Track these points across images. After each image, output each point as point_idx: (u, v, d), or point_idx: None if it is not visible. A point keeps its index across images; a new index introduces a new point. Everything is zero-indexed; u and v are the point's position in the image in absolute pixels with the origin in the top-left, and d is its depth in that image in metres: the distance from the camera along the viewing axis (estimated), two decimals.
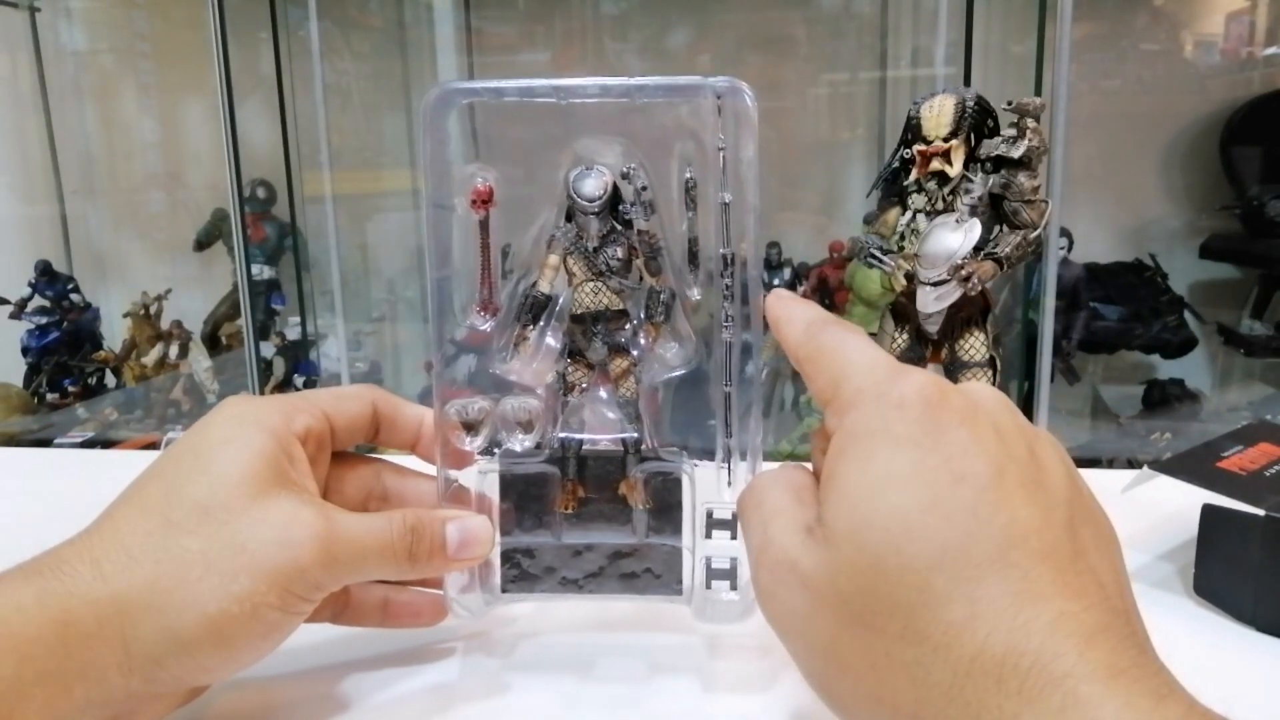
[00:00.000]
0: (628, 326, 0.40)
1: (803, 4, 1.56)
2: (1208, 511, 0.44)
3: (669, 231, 0.39)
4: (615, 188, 0.38)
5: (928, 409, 0.27)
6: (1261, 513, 0.42)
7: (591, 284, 0.39)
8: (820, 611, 0.27)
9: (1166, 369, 1.40)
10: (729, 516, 0.38)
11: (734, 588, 0.39)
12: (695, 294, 0.39)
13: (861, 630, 0.26)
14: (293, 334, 1.63)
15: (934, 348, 0.55)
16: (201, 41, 1.27)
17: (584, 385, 0.40)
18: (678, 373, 0.40)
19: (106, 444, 1.42)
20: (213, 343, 1.64)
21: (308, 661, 0.40)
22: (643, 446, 0.40)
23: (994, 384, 0.53)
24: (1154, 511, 0.53)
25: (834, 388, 0.30)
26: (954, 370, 0.54)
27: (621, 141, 0.38)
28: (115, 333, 1.66)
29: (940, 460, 0.26)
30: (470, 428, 0.39)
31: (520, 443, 0.40)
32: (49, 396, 1.56)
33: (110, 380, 1.63)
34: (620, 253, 0.39)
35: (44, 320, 1.56)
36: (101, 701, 0.31)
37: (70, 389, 1.57)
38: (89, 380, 1.59)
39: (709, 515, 0.39)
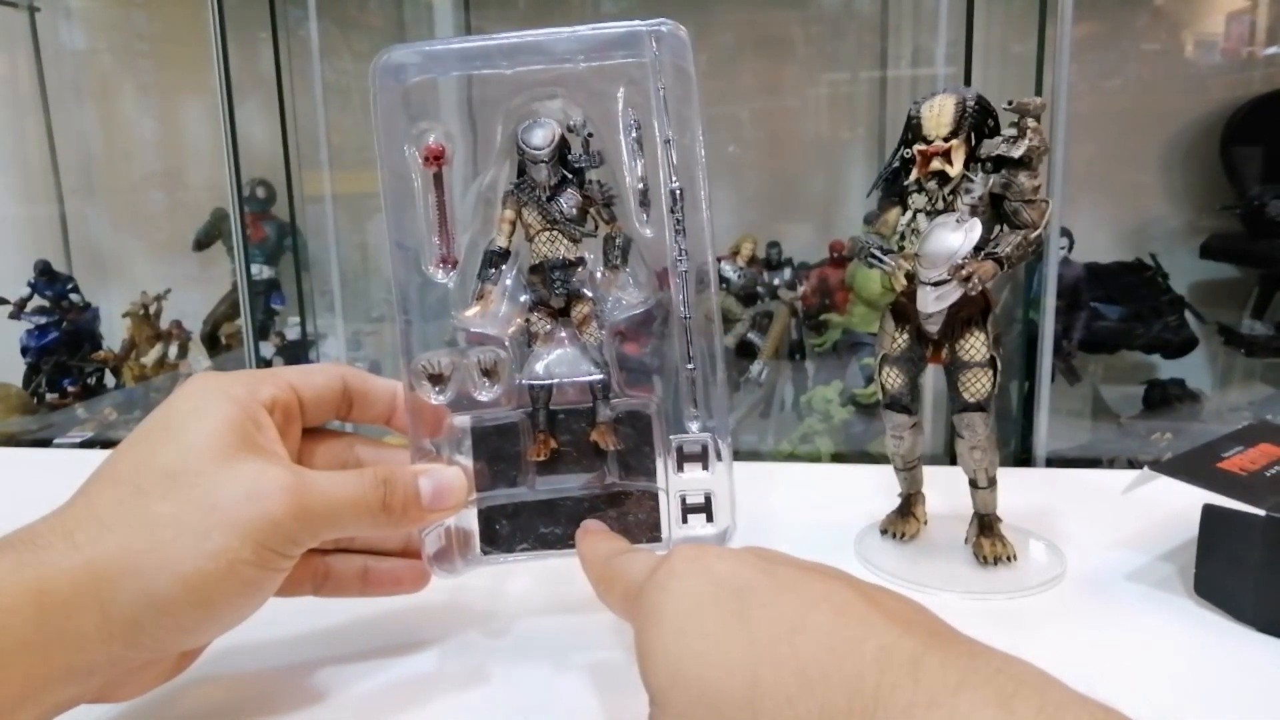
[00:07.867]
0: (584, 272, 0.41)
1: (803, 4, 1.56)
2: (1208, 512, 0.45)
3: (617, 175, 0.41)
4: (563, 138, 0.40)
5: (672, 572, 0.31)
6: (1262, 513, 0.42)
7: (547, 233, 0.41)
8: None
9: (1167, 369, 1.39)
10: (699, 449, 0.40)
11: (710, 519, 0.41)
12: (648, 232, 0.42)
13: None
14: (292, 334, 1.62)
15: (934, 348, 0.55)
16: (201, 41, 1.26)
17: (547, 329, 0.41)
18: (637, 310, 0.42)
19: (106, 444, 1.41)
20: (212, 343, 1.64)
21: (295, 653, 0.40)
22: (610, 389, 0.41)
23: (994, 383, 0.53)
24: (1154, 511, 0.53)
25: (624, 595, 0.34)
26: (954, 370, 0.54)
27: (561, 94, 0.40)
28: (115, 333, 1.65)
29: (694, 601, 0.30)
30: (437, 380, 0.41)
31: (487, 390, 0.41)
32: (48, 396, 1.56)
33: (110, 380, 1.63)
34: (573, 200, 0.41)
35: (43, 320, 1.56)
36: (84, 668, 0.31)
37: (70, 389, 1.57)
38: (88, 380, 1.59)
39: (679, 450, 0.41)
